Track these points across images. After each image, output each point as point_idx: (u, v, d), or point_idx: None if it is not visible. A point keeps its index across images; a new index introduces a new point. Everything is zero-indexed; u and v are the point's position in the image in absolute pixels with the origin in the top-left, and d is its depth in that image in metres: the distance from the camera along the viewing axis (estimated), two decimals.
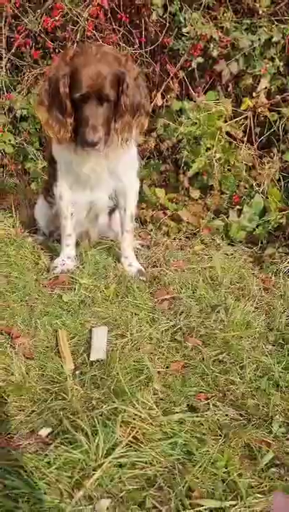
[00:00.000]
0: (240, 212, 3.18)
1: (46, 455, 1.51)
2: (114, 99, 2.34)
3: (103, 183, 2.65)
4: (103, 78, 2.27)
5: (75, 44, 3.23)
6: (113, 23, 3.27)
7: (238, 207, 3.23)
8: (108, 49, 2.43)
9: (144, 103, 2.45)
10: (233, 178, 3.30)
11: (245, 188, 3.31)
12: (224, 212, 3.25)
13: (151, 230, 3.25)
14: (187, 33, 3.27)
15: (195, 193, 3.34)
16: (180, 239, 3.18)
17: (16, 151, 3.68)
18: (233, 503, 1.41)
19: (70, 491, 1.41)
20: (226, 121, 3.14)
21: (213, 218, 3.23)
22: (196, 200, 3.32)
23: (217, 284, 2.65)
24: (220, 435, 1.67)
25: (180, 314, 2.37)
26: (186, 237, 3.19)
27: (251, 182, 3.26)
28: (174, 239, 3.17)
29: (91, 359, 2.00)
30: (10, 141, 3.45)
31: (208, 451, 1.57)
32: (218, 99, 3.19)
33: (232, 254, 3.02)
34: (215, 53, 3.37)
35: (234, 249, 3.06)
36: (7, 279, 2.59)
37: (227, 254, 3.00)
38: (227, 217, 3.18)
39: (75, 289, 2.53)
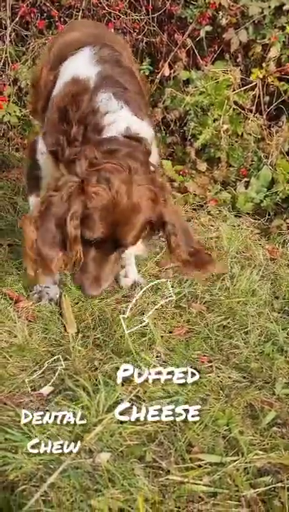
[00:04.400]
0: (247, 184, 3.14)
1: (47, 410, 1.51)
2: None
3: None
4: (130, 227, 1.61)
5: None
6: None
7: (245, 179, 3.18)
8: (141, 175, 1.61)
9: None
10: (240, 150, 3.24)
11: (253, 161, 3.26)
12: (232, 184, 3.21)
13: None
14: (195, 0, 3.20)
15: (202, 166, 3.29)
16: (186, 211, 3.15)
17: (21, 124, 3.65)
18: (234, 458, 1.41)
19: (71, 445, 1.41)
20: (234, 91, 3.08)
21: (220, 190, 3.19)
22: (204, 172, 3.28)
23: (223, 253, 2.63)
24: (222, 396, 1.66)
25: (185, 282, 2.35)
26: (193, 209, 3.15)
27: (259, 154, 3.21)
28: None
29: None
30: (15, 112, 3.42)
31: (209, 409, 1.56)
32: (226, 69, 3.12)
33: (239, 225, 2.98)
34: (224, 22, 3.29)
35: (241, 221, 3.02)
36: (10, 247, 2.57)
37: (234, 226, 2.96)
38: (234, 190, 3.13)
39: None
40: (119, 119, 1.65)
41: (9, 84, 3.48)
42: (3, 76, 3.51)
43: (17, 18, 3.40)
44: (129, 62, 1.99)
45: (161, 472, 1.35)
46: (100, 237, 1.60)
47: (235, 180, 3.22)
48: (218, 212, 3.09)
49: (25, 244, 1.64)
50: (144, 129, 1.71)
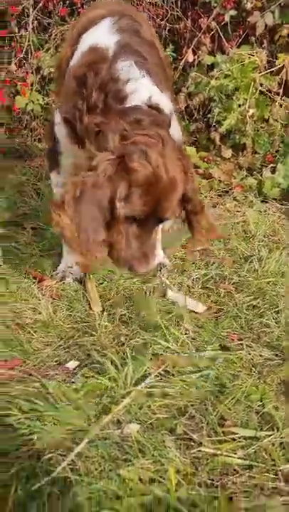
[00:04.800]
0: (274, 169, 3.07)
1: (73, 382, 1.47)
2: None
3: None
4: (170, 200, 1.58)
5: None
6: None
7: (271, 165, 3.11)
8: (172, 146, 1.58)
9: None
10: (267, 136, 3.17)
11: (280, 147, 3.18)
12: (257, 171, 3.14)
13: None
14: None
15: (227, 152, 3.23)
16: (212, 197, 3.09)
17: (43, 114, 3.64)
18: (269, 433, 1.34)
19: (98, 416, 1.36)
20: (260, 73, 3.01)
21: (246, 176, 3.12)
22: (228, 159, 3.22)
23: (250, 236, 2.56)
24: (254, 372, 1.59)
25: (212, 265, 2.29)
26: (218, 195, 3.09)
27: (287, 140, 3.13)
28: (206, 197, 3.08)
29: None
30: (38, 100, 3.41)
31: (241, 385, 1.50)
32: (252, 52, 3.06)
33: (265, 211, 2.91)
34: (249, 6, 3.23)
35: (267, 206, 2.95)
36: (34, 230, 2.55)
37: (260, 211, 2.89)
38: (260, 176, 3.06)
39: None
40: (142, 87, 1.60)
41: (32, 73, 3.47)
42: (26, 65, 3.50)
43: (40, 5, 3.39)
44: (150, 34, 1.94)
45: (192, 444, 1.29)
46: (144, 214, 1.55)
47: (261, 167, 3.15)
48: (244, 198, 3.02)
49: (65, 235, 1.55)
50: (164, 102, 1.66)
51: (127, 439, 1.29)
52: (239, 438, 1.32)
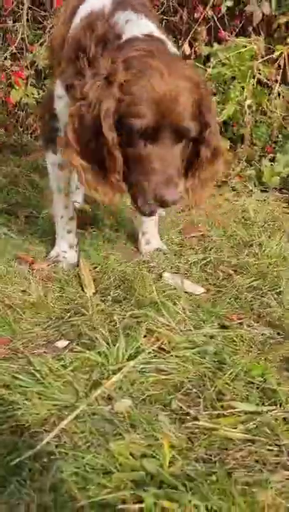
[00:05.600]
0: (273, 159, 3.00)
1: (62, 359, 1.37)
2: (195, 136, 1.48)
3: None
4: (182, 103, 1.40)
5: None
6: None
7: (271, 155, 3.05)
8: (174, 56, 1.51)
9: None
10: (265, 127, 3.11)
11: (278, 138, 3.12)
12: (256, 162, 3.07)
13: None
14: None
15: (225, 144, 3.16)
16: None
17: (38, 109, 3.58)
18: (271, 408, 1.24)
19: (87, 392, 1.27)
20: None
21: (245, 167, 3.06)
22: (227, 149, 3.15)
23: (250, 223, 2.48)
24: (255, 349, 1.50)
25: (210, 250, 2.20)
26: (217, 186, 3.01)
27: (286, 132, 3.07)
28: None
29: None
30: (33, 94, 3.36)
31: (241, 360, 1.40)
32: (249, 41, 3.00)
33: (265, 200, 2.83)
34: None
35: (267, 196, 2.88)
36: (26, 218, 2.47)
37: (259, 200, 2.82)
38: (259, 166, 2.99)
39: (99, 228, 2.40)
40: (141, 23, 1.53)
41: (26, 67, 3.42)
42: (22, 59, 3.46)
43: None
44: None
45: (188, 418, 1.20)
46: (152, 123, 1.37)
47: (260, 158, 3.08)
48: (243, 187, 2.95)
49: (80, 176, 1.45)
50: (165, 39, 1.58)
51: (117, 414, 1.19)
52: (239, 413, 1.22)
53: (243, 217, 2.55)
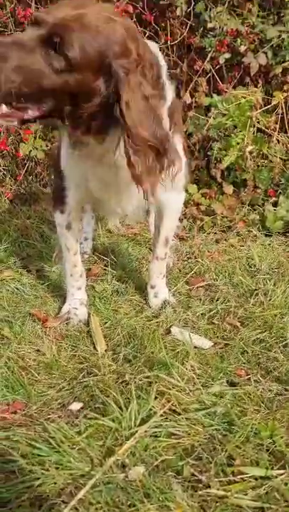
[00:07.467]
0: (276, 203, 3.08)
1: (76, 425, 1.42)
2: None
3: (125, 201, 1.86)
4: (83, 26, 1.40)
5: None
6: (138, 27, 3.30)
7: (274, 199, 3.13)
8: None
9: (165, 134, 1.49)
10: (267, 171, 3.21)
11: (281, 182, 3.21)
12: (260, 206, 3.16)
13: (185, 226, 3.17)
14: (213, 28, 3.26)
15: (228, 189, 3.26)
16: (215, 233, 3.09)
17: (47, 160, 3.71)
18: (281, 472, 1.28)
19: (102, 459, 1.31)
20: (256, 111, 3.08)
21: (248, 211, 3.14)
22: (230, 195, 3.24)
23: (255, 270, 2.54)
24: (263, 408, 1.54)
25: (217, 300, 2.26)
26: (222, 231, 3.09)
27: (287, 173, 3.16)
28: (209, 233, 3.08)
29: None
30: (41, 146, 3.48)
31: (250, 421, 1.44)
32: (248, 91, 3.13)
33: (269, 244, 2.90)
34: (242, 48, 3.34)
35: (271, 240, 2.94)
36: (38, 272, 2.55)
37: (264, 245, 2.89)
38: (263, 210, 3.08)
39: (107, 280, 2.47)
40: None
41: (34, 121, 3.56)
42: None
43: None
44: None
45: (200, 486, 1.23)
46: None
47: (263, 202, 3.17)
48: (247, 232, 3.02)
49: None
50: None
51: (131, 482, 1.24)
52: (249, 478, 1.26)
53: (247, 264, 2.61)
